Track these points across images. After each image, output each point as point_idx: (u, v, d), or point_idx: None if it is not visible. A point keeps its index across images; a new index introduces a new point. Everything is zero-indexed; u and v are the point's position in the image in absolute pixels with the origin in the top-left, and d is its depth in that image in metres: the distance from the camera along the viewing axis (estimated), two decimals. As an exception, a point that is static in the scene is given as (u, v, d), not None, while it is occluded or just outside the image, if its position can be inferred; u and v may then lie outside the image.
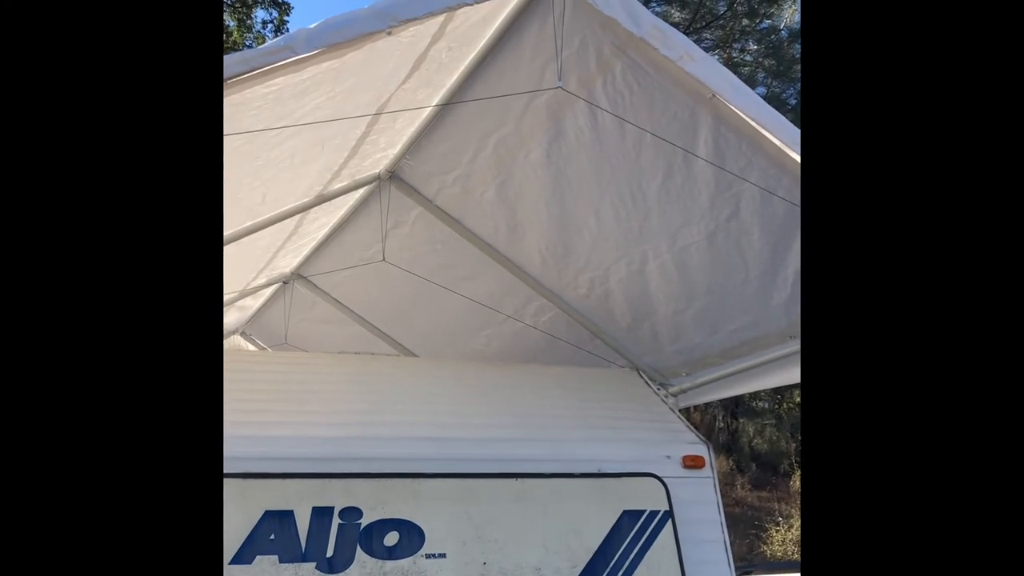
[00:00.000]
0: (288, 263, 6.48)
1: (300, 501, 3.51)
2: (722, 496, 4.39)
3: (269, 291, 7.06)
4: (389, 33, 3.19)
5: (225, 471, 3.37)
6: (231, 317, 7.61)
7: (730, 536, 4.29)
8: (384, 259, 5.41)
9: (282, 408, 3.93)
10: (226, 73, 2.99)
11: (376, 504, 3.63)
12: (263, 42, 17.87)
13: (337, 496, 3.57)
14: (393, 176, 5.16)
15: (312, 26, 3.08)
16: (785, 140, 3.46)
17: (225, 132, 3.35)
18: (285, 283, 6.76)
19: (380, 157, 4.97)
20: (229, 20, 18.72)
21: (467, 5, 3.27)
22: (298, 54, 3.06)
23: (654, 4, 15.99)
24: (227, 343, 8.06)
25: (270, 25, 19.09)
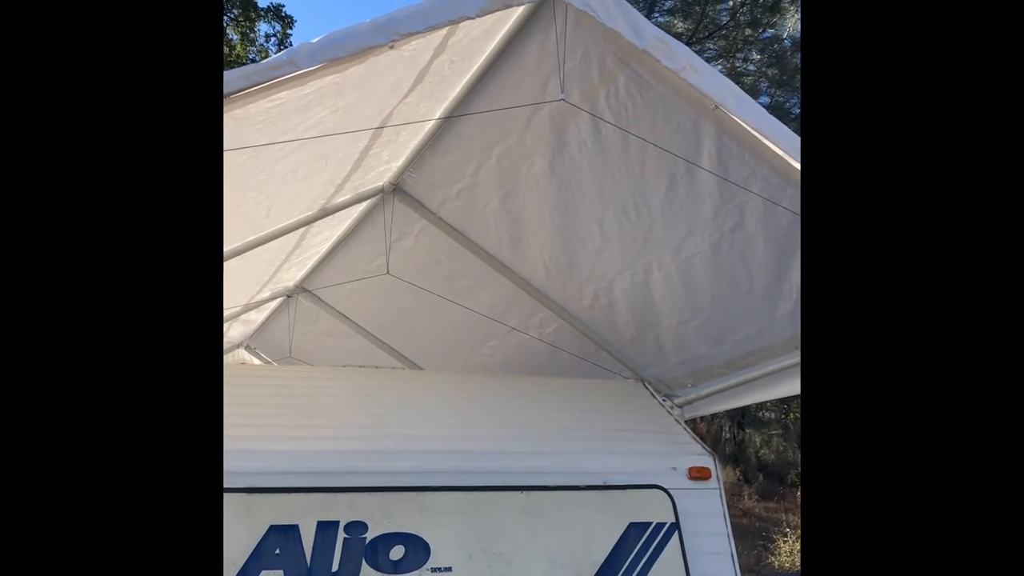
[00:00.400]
0: (292, 277, 6.49)
1: (305, 515, 3.50)
2: (729, 507, 4.37)
3: (273, 305, 7.06)
4: (391, 47, 3.20)
5: (230, 486, 3.39)
6: (235, 331, 7.61)
7: (737, 547, 4.27)
8: (388, 272, 5.41)
9: (287, 422, 3.92)
10: (229, 88, 3.00)
11: (381, 518, 3.62)
12: (266, 55, 17.97)
13: (342, 510, 3.56)
14: (397, 189, 5.16)
15: (314, 40, 3.09)
16: (788, 150, 3.45)
17: (229, 147, 3.36)
18: (289, 297, 6.77)
19: (383, 170, 4.98)
20: (232, 34, 18.79)
21: (469, 18, 3.27)
22: (301, 68, 3.06)
23: (656, 15, 16.03)
24: (231, 357, 8.06)
25: (273, 38, 19.17)
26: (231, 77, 3.04)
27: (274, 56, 3.21)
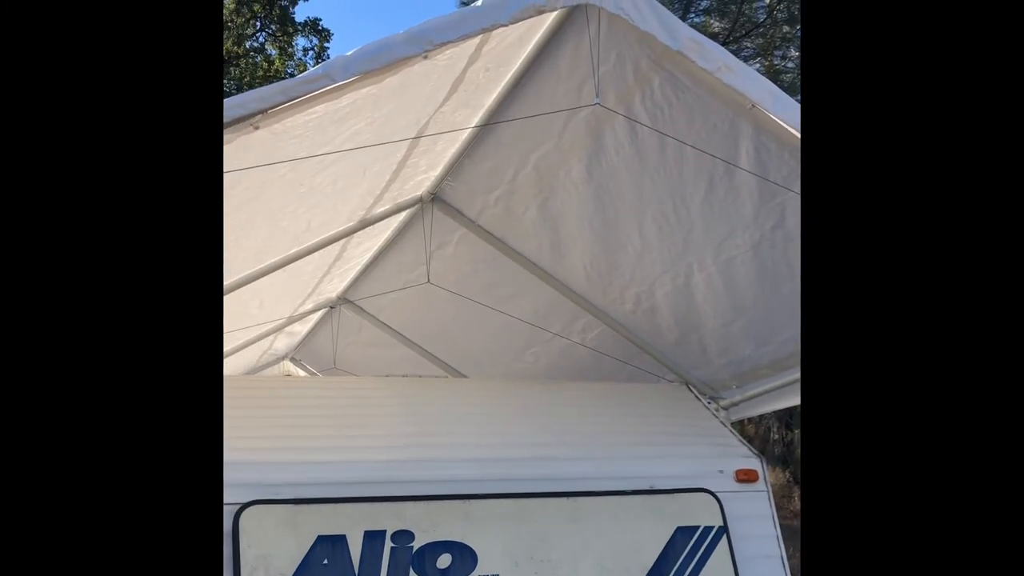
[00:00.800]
0: (334, 288, 6.53)
1: (352, 525, 3.51)
2: (779, 509, 4.32)
3: (316, 316, 7.11)
4: (426, 57, 3.21)
5: (277, 497, 3.42)
6: (280, 343, 7.68)
7: (788, 550, 4.22)
8: (429, 281, 5.43)
9: (332, 433, 3.94)
10: (266, 103, 3.03)
11: (428, 527, 3.62)
12: (304, 69, 18.17)
13: (389, 519, 3.57)
14: (435, 198, 5.18)
15: (349, 53, 3.11)
16: (828, 147, 3.41)
17: (268, 161, 3.41)
18: (332, 308, 6.81)
19: (422, 179, 5.00)
20: (271, 49, 19.04)
21: (502, 26, 3.28)
22: (336, 81, 3.08)
23: (692, 15, 15.95)
24: (277, 369, 8.14)
25: (311, 52, 19.37)
26: (268, 92, 3.07)
27: (310, 70, 3.24)
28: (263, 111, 3.03)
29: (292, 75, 17.81)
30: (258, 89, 3.13)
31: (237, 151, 3.19)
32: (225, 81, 18.77)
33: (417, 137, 4.25)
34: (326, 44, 19.31)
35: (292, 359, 8.06)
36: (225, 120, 2.98)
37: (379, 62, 3.12)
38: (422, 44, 3.15)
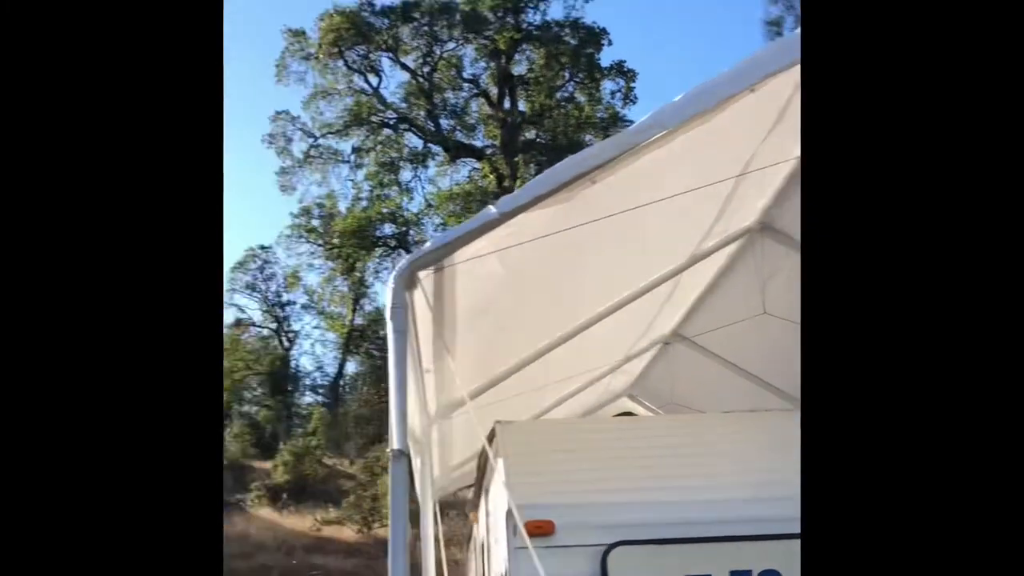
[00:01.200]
0: (666, 324, 6.59)
1: (717, 565, 3.50)
2: None
3: (650, 354, 7.20)
4: (752, 91, 3.19)
5: (641, 538, 3.50)
6: (617, 381, 7.84)
7: None
8: (765, 311, 5.33)
9: (688, 471, 3.95)
10: (601, 158, 3.15)
11: (794, 566, 3.52)
12: (612, 111, 18.59)
13: (754, 559, 3.52)
14: (765, 227, 5.10)
15: (676, 99, 3.17)
16: None
17: (600, 215, 3.51)
18: (666, 344, 6.87)
19: (750, 210, 4.94)
20: (580, 96, 19.68)
21: (829, 45, 3.19)
22: (665, 128, 3.15)
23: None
24: (614, 406, 8.31)
25: (618, 94, 19.78)
26: (602, 148, 3.21)
27: (639, 121, 3.33)
28: (599, 166, 3.16)
29: (601, 119, 18.32)
30: (593, 146, 3.28)
31: (578, 206, 3.35)
32: (539, 132, 19.67)
33: (744, 174, 4.21)
34: (632, 84, 19.65)
35: (629, 396, 8.20)
36: (566, 179, 3.16)
37: (706, 103, 3.15)
38: (748, 79, 3.14)
